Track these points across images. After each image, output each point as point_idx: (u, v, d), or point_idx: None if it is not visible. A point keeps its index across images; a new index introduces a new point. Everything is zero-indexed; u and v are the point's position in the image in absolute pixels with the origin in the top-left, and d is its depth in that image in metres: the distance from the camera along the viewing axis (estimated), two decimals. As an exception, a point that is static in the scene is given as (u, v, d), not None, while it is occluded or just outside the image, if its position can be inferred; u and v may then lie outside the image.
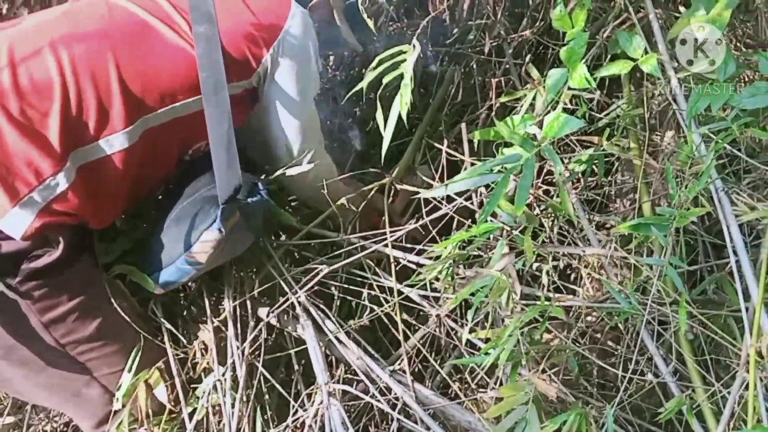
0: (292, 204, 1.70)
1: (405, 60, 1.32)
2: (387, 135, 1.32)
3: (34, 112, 1.17)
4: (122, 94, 1.24)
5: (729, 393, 1.17)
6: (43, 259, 1.21)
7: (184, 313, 1.58)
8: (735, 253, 1.23)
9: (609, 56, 1.49)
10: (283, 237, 1.64)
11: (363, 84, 1.37)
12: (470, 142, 1.73)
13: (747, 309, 1.19)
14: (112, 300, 1.34)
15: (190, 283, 1.60)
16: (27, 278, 1.20)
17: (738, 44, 1.77)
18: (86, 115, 1.22)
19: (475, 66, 1.94)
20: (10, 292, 1.19)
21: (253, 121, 1.49)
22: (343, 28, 1.63)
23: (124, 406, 1.34)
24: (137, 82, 1.26)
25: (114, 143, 1.25)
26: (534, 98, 1.41)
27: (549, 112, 1.31)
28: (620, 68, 1.39)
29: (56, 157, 1.18)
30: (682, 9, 1.70)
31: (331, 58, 1.71)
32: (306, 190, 1.62)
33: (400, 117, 1.32)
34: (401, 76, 1.33)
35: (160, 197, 1.50)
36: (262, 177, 1.47)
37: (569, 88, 1.31)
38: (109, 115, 1.23)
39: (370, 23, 1.59)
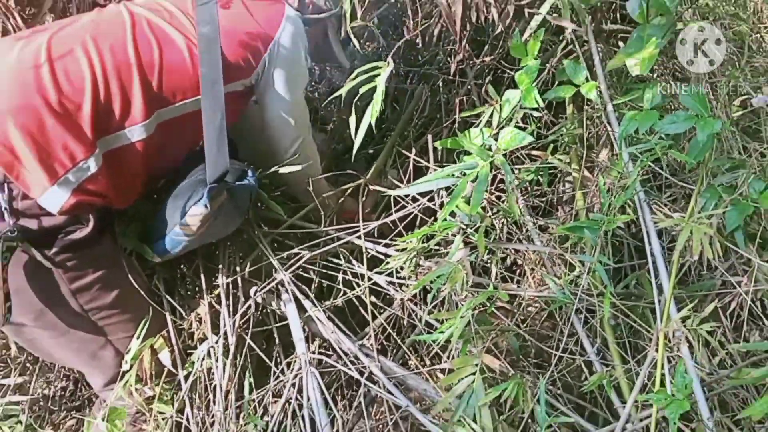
0: (277, 197, 1.81)
1: (379, 74, 1.46)
2: (358, 138, 1.46)
3: (69, 103, 1.28)
4: (142, 88, 1.36)
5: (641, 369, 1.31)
6: (75, 234, 1.33)
7: (181, 291, 1.70)
8: (652, 254, 1.38)
9: (557, 82, 1.64)
10: (265, 228, 1.77)
11: (342, 91, 1.50)
12: (435, 150, 1.88)
13: (660, 301, 1.34)
14: (129, 275, 1.45)
15: (184, 266, 1.71)
16: (61, 250, 1.32)
17: (667, 77, 1.94)
18: (113, 107, 1.34)
19: (440, 85, 2.09)
20: (46, 261, 1.31)
21: (251, 116, 1.61)
22: (335, 46, 1.76)
23: (131, 367, 1.46)
24: (154, 79, 1.38)
25: (134, 133, 1.37)
26: (491, 115, 1.54)
27: (504, 127, 1.46)
28: (565, 92, 1.55)
29: (87, 143, 1.30)
30: (621, 44, 1.86)
31: (317, 71, 1.84)
32: (294, 178, 1.71)
33: (372, 123, 1.46)
34: (375, 88, 1.46)
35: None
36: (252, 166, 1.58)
37: (522, 107, 1.46)
38: (131, 106, 1.36)
39: (356, 42, 1.72)
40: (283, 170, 1.57)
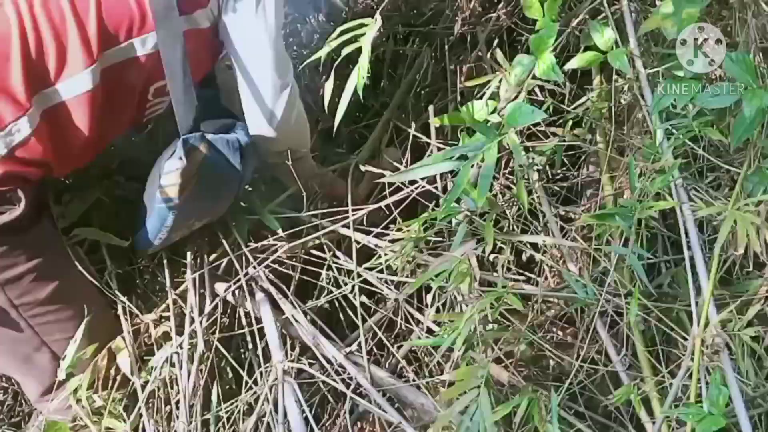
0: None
1: (365, 33, 1.43)
2: (340, 110, 1.42)
3: None
4: (79, 33, 1.35)
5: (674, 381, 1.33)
6: (3, 217, 1.33)
7: (138, 289, 1.73)
8: (690, 248, 1.38)
9: (582, 48, 1.63)
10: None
11: (321, 53, 1.47)
12: (439, 126, 1.88)
13: (697, 302, 1.35)
14: (71, 266, 1.47)
15: (143, 259, 1.73)
16: None
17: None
18: (46, 57, 1.34)
19: (447, 49, 2.09)
20: None
21: (224, 84, 1.62)
22: None
23: (68, 376, 1.47)
24: (93, 19, 1.36)
25: (77, 85, 1.36)
26: (499, 84, 1.54)
27: (514, 99, 1.46)
28: (588, 61, 1.54)
29: (19, 101, 1.31)
30: (657, 2, 1.86)
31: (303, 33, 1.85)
32: (281, 146, 1.67)
33: (359, 93, 1.43)
34: (360, 50, 1.42)
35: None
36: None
37: (534, 77, 1.46)
38: (68, 55, 1.35)
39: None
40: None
